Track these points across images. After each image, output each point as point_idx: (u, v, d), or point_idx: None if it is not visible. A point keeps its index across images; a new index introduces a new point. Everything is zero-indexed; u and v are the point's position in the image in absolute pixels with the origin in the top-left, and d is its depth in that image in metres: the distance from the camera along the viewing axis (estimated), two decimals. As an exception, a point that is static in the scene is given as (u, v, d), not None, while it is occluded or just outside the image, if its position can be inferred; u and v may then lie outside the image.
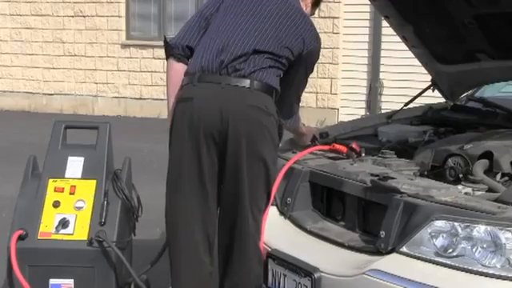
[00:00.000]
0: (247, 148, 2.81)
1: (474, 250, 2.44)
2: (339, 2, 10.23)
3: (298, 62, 3.06)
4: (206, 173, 2.87)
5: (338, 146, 3.34)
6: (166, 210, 2.99)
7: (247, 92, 2.85)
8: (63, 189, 3.06)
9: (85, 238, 2.96)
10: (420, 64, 3.99)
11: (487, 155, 2.97)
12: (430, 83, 3.99)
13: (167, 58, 3.08)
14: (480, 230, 2.44)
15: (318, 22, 10.30)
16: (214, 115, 2.81)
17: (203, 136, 2.83)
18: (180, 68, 3.02)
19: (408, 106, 4.12)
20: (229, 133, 2.80)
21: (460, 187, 2.84)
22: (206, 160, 2.85)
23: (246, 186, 2.84)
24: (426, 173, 3.09)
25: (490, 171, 2.94)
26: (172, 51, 3.04)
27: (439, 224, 2.51)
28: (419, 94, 4.07)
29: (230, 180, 2.86)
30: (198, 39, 3.02)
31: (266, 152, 2.87)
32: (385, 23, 4.06)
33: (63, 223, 2.98)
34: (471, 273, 2.41)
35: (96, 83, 11.91)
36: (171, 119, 2.96)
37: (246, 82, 2.86)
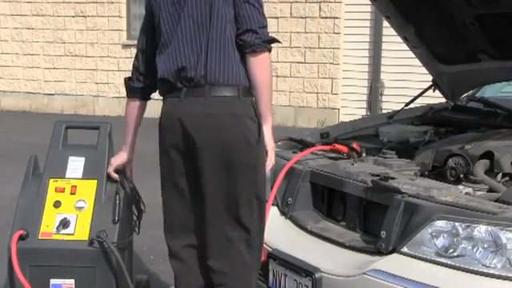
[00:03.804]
0: (216, 157, 2.74)
1: (474, 250, 2.45)
2: (340, 2, 10.23)
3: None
4: (184, 184, 2.84)
5: (338, 146, 3.33)
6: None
7: (204, 102, 2.76)
8: (64, 189, 3.06)
9: (86, 238, 2.95)
10: (421, 64, 3.99)
11: (488, 155, 2.97)
12: (430, 83, 3.99)
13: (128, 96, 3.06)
14: (481, 230, 2.44)
15: (319, 22, 10.32)
16: (176, 128, 2.78)
17: (172, 149, 2.82)
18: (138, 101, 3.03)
19: (409, 106, 4.12)
20: (196, 143, 2.75)
21: (461, 187, 2.85)
22: (181, 175, 2.83)
23: (216, 193, 2.77)
24: (426, 173, 3.09)
25: (490, 171, 2.95)
26: (133, 89, 3.00)
27: (440, 224, 2.51)
28: (420, 94, 4.07)
29: (206, 187, 2.79)
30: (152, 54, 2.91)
31: (239, 156, 2.76)
32: (386, 23, 4.06)
33: (64, 223, 2.97)
34: (472, 273, 2.42)
35: (97, 83, 11.92)
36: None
37: (201, 91, 2.76)
